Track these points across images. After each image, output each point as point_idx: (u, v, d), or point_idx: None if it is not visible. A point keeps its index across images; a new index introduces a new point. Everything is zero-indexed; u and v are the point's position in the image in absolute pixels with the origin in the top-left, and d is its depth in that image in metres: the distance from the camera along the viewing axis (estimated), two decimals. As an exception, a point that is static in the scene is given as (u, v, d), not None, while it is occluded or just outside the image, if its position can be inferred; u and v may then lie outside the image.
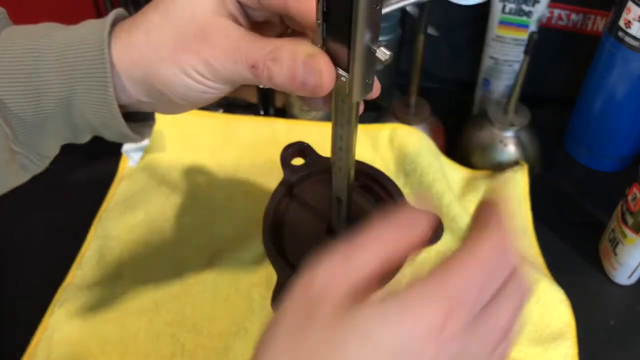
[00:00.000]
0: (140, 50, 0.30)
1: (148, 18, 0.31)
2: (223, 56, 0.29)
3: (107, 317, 0.51)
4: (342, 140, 0.33)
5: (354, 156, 0.34)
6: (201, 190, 0.62)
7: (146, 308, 0.52)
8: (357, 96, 0.29)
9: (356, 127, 0.32)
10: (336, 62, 0.29)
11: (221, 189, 0.62)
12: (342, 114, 0.31)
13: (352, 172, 0.35)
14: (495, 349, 0.25)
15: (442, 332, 0.23)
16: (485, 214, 0.27)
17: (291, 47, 0.28)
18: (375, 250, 0.25)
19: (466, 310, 0.24)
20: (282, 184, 0.44)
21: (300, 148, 0.46)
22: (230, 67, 0.29)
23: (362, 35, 0.26)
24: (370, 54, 0.27)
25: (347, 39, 0.26)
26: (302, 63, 0.28)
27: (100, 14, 0.76)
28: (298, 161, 0.46)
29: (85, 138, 0.35)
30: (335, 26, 0.27)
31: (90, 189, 0.62)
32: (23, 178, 0.35)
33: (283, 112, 0.70)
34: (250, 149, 0.65)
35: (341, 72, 0.28)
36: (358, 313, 0.23)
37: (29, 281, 0.55)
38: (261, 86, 0.36)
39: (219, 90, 0.32)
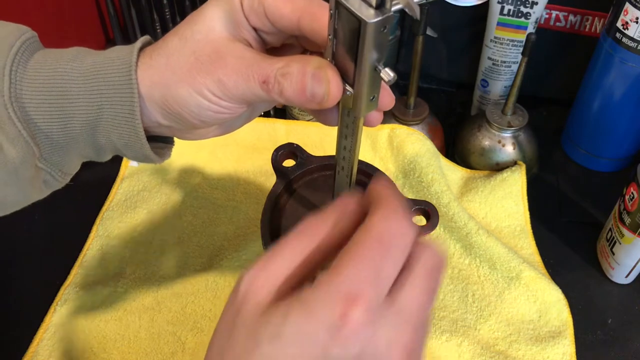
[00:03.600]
0: (159, 72, 0.32)
1: (168, 43, 0.32)
2: (235, 74, 0.31)
3: (109, 316, 0.51)
4: (347, 142, 0.34)
5: (357, 159, 0.35)
6: (202, 190, 0.62)
7: (147, 307, 0.52)
8: (360, 112, 0.30)
9: (360, 135, 0.33)
10: (343, 77, 0.30)
11: (221, 189, 0.62)
12: (347, 125, 0.32)
13: (355, 173, 0.36)
14: (415, 331, 0.24)
15: (343, 329, 0.22)
16: (373, 192, 0.26)
17: (301, 62, 0.30)
18: (297, 248, 0.25)
19: (365, 300, 0.23)
20: (276, 185, 0.45)
21: (290, 149, 0.47)
22: (242, 84, 0.31)
23: (368, 55, 0.27)
24: (375, 73, 0.28)
25: (354, 56, 0.27)
26: (310, 75, 0.29)
27: (102, 16, 0.76)
28: (289, 162, 0.46)
29: (106, 157, 0.37)
30: (344, 43, 0.28)
31: (93, 189, 0.62)
32: (44, 193, 0.36)
33: (283, 113, 0.70)
34: (251, 149, 0.65)
35: (347, 87, 0.29)
36: (271, 313, 0.24)
37: (31, 280, 0.55)
38: (273, 104, 0.37)
39: (232, 111, 0.33)
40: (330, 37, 0.28)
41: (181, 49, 0.31)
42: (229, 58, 0.31)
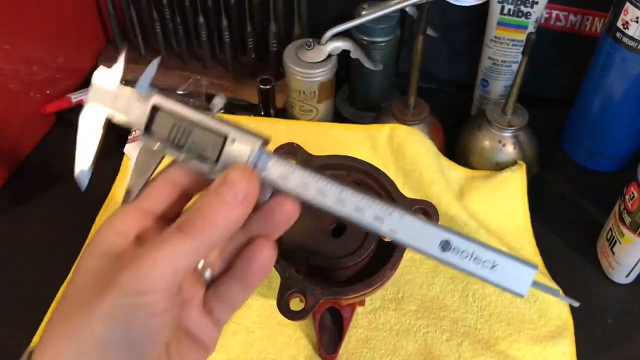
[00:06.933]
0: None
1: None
2: None
3: (109, 316, 0.51)
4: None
5: None
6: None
7: (147, 307, 0.52)
8: None
9: None
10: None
11: (222, 189, 0.62)
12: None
13: None
14: None
15: None
16: None
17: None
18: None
19: None
20: None
21: (290, 149, 0.47)
22: None
23: None
24: None
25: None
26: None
27: (102, 16, 0.76)
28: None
29: None
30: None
31: (92, 189, 0.62)
32: None
33: (283, 113, 0.70)
34: (251, 149, 0.65)
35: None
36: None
37: (30, 281, 0.55)
38: None
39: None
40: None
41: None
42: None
